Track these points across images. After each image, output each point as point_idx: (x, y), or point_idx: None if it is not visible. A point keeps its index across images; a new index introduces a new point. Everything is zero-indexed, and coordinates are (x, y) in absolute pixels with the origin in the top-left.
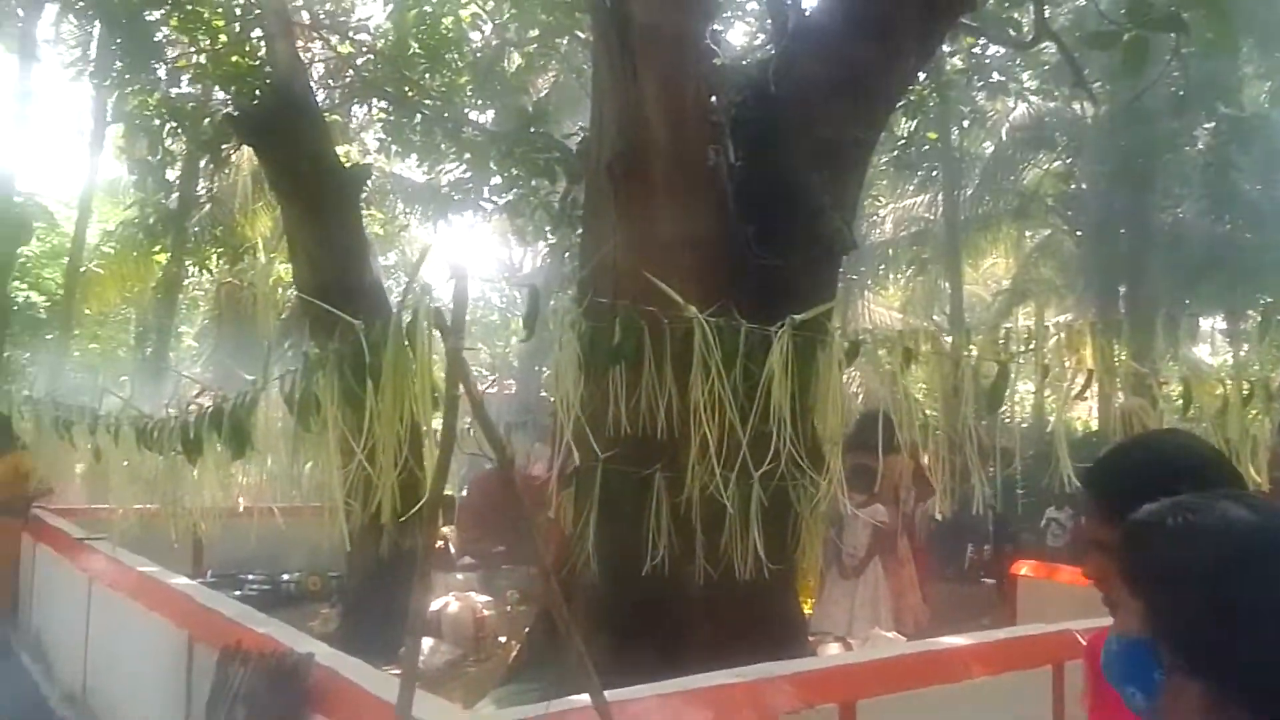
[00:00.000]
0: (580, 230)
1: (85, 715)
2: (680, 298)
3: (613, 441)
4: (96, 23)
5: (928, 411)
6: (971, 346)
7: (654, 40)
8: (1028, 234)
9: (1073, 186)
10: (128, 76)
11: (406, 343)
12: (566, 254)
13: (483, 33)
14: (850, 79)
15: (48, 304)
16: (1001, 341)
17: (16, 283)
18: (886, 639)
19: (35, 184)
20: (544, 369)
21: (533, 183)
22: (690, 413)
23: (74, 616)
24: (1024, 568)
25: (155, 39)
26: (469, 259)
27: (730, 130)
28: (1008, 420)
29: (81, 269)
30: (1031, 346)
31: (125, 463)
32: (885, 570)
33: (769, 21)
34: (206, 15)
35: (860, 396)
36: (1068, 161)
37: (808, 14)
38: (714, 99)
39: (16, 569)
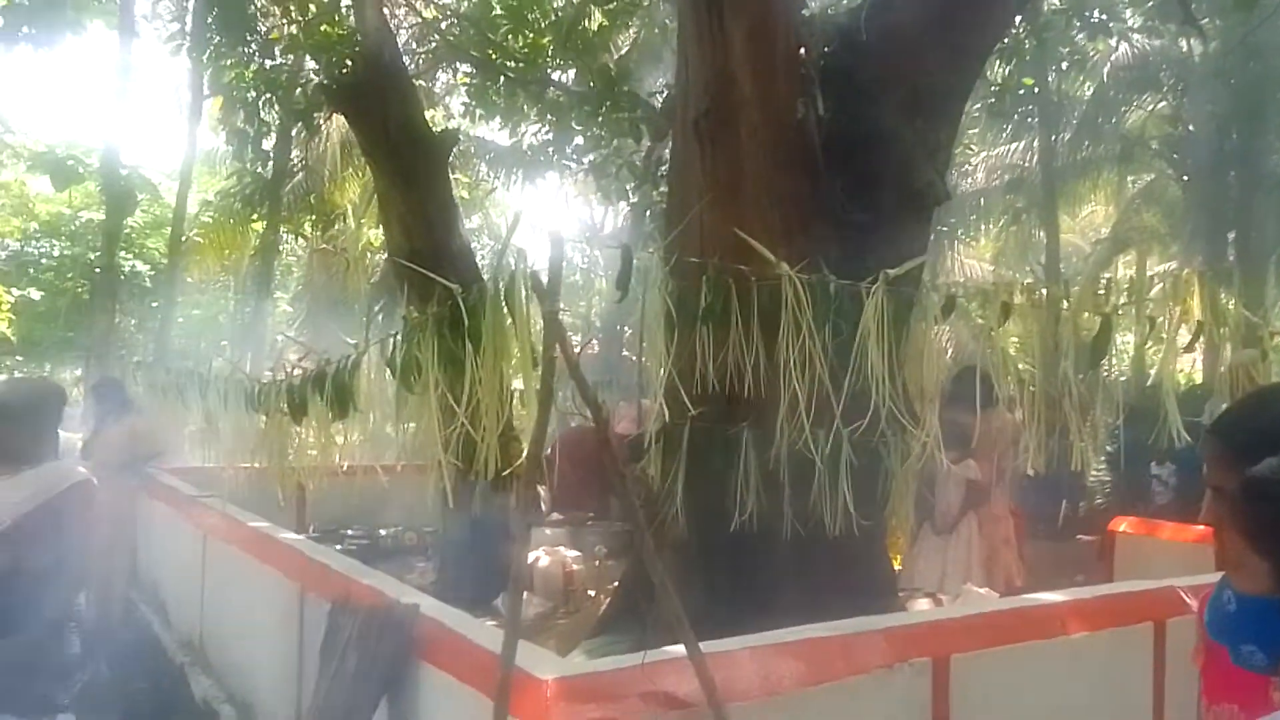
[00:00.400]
0: (664, 189)
1: (201, 661)
2: (769, 254)
3: (700, 399)
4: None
5: (1023, 366)
6: (1069, 298)
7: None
8: (1130, 180)
9: (1179, 129)
10: (223, 49)
11: (504, 306)
12: (649, 213)
13: None
14: (943, 25)
15: (152, 273)
16: (1102, 292)
17: (123, 253)
18: (979, 595)
19: (138, 156)
20: (627, 328)
21: (615, 142)
22: (779, 370)
23: (189, 569)
24: (1123, 524)
25: (249, 12)
26: (555, 221)
27: (819, 82)
28: (1109, 374)
29: (183, 238)
30: (1133, 297)
31: (233, 424)
32: (979, 527)
33: None
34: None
35: (951, 351)
36: (1174, 103)
37: None
38: (802, 50)
39: (134, 525)
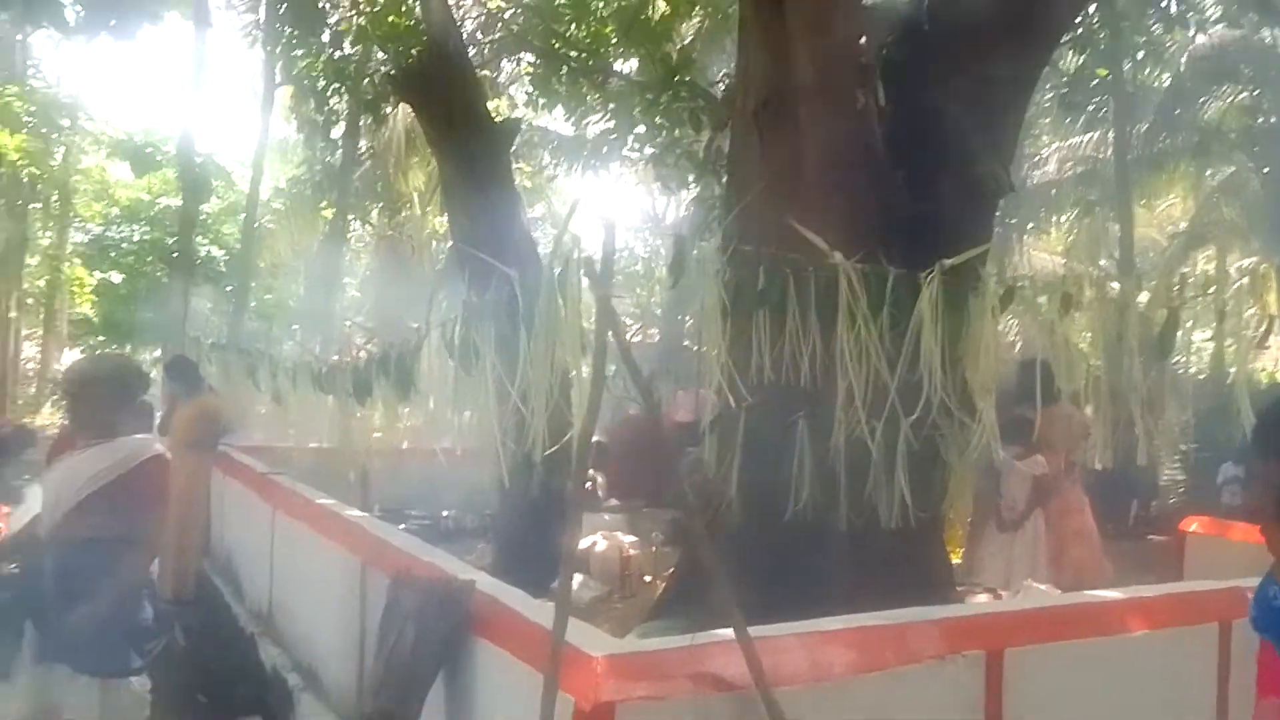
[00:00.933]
0: (724, 178)
1: (271, 630)
2: (827, 244)
3: (756, 388)
4: None
5: (1092, 361)
6: (1143, 291)
7: None
8: (1208, 173)
9: (1259, 121)
10: (295, 40)
11: (558, 291)
12: (710, 202)
13: None
14: (1010, 14)
15: (226, 257)
16: (1177, 287)
17: (199, 238)
18: (1039, 591)
19: (213, 145)
20: (687, 317)
21: (676, 132)
22: (835, 360)
23: (260, 543)
24: (1194, 524)
25: (319, 4)
26: (614, 209)
27: (880, 71)
28: (1182, 371)
29: (256, 224)
30: (1210, 292)
31: (302, 404)
32: (1047, 523)
33: None
34: None
35: (1019, 345)
36: (1254, 94)
37: None
38: (863, 40)
39: (208, 500)
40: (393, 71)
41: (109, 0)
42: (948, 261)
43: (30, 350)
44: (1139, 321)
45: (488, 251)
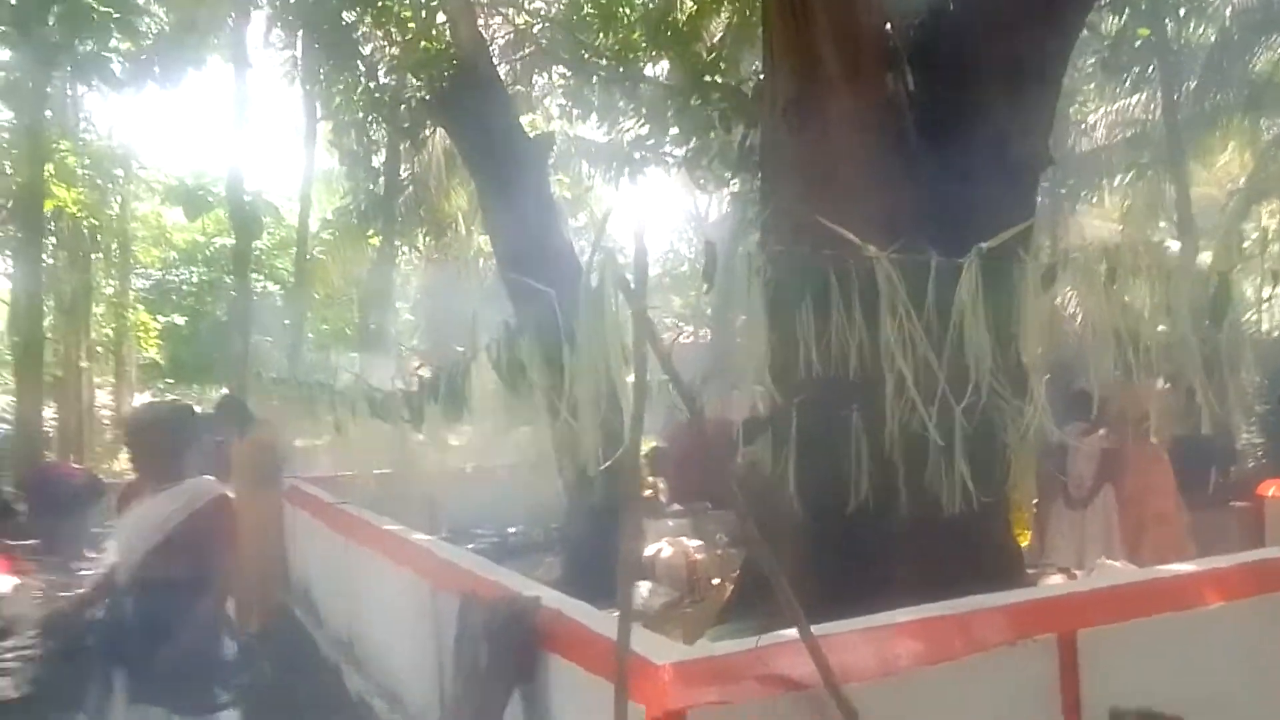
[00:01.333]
0: (759, 175)
1: (352, 659)
2: (864, 236)
3: (805, 384)
4: (300, 29)
5: (1157, 328)
6: (1203, 252)
7: None
8: (1263, 124)
9: None
10: (332, 75)
11: (596, 307)
12: (749, 198)
13: None
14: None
15: (281, 291)
16: (1237, 245)
17: (254, 274)
18: (1113, 568)
19: (261, 182)
20: (742, 316)
21: (711, 134)
22: (882, 351)
23: (334, 572)
24: (1272, 489)
25: (353, 37)
26: (651, 215)
27: (908, 56)
28: (1253, 331)
29: (307, 256)
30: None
31: (363, 432)
32: (1124, 502)
33: None
34: (395, 8)
35: (1080, 318)
36: None
37: None
38: (889, 25)
39: (281, 533)
40: (427, 97)
41: (154, 50)
42: (985, 245)
43: (103, 398)
44: (1200, 284)
45: (530, 267)
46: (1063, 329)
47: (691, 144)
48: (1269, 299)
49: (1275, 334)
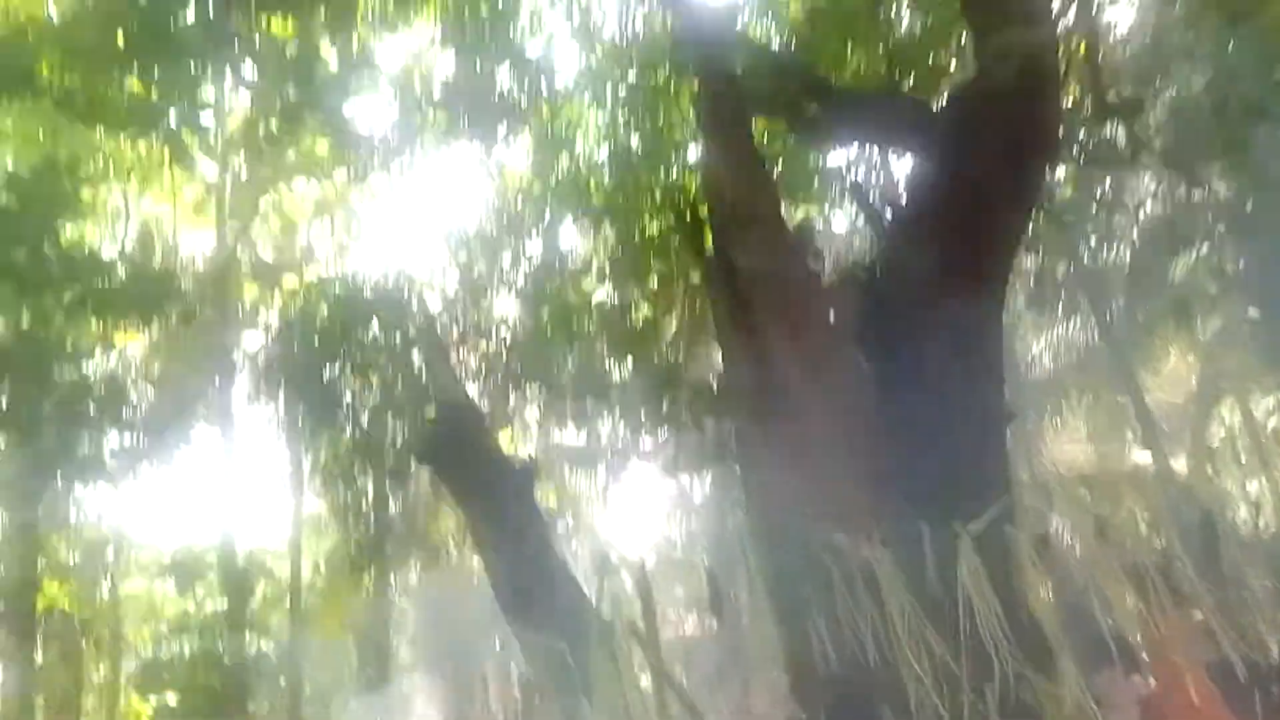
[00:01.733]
0: (739, 467)
1: None
2: (848, 516)
3: (827, 683)
4: (280, 388)
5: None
6: (1176, 459)
7: (768, 290)
8: (1198, 328)
9: (1228, 269)
10: (317, 428)
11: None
12: (731, 482)
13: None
14: (955, 264)
15: (275, 649)
16: (1211, 450)
17: (248, 634)
18: None
19: (251, 539)
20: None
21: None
22: (896, 638)
23: None
24: None
25: (334, 392)
26: (641, 544)
27: (858, 334)
28: (1253, 530)
29: (301, 608)
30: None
31: None
32: None
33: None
34: (376, 359)
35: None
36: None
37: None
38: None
39: None
40: (410, 441)
41: (144, 434)
42: (971, 528)
43: None
44: (1184, 499)
45: (532, 600)
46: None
47: (665, 439)
48: (1257, 501)
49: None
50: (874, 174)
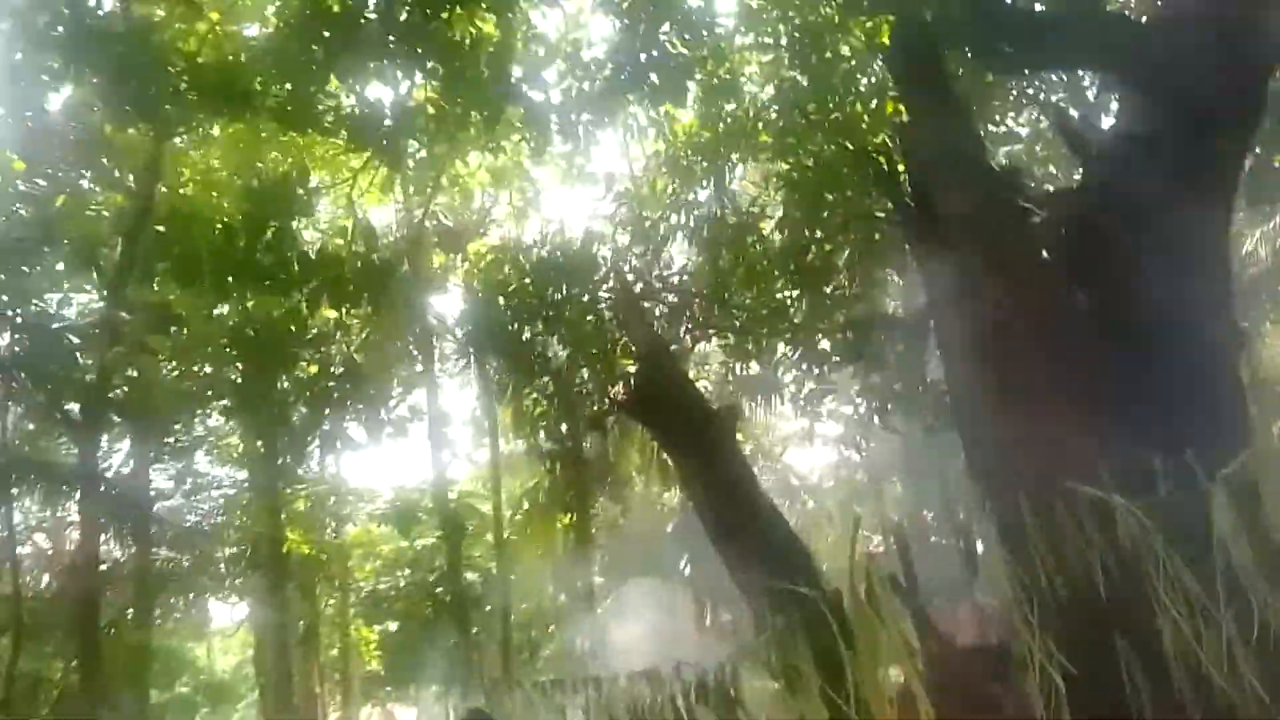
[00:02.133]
0: (953, 415)
1: None
2: (1075, 469)
3: (1055, 612)
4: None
5: None
6: None
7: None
8: None
9: None
10: (515, 385)
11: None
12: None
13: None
14: (1183, 177)
15: (481, 579)
16: None
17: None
18: None
19: (456, 477)
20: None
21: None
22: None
23: None
24: None
25: (523, 343)
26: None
27: (1082, 266)
28: None
29: (504, 540)
30: None
31: None
32: None
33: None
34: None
35: None
36: None
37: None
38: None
39: None
40: (615, 397)
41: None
42: (1222, 473)
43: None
44: None
45: (743, 540)
46: None
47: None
48: None
49: None
50: (1074, 99)
